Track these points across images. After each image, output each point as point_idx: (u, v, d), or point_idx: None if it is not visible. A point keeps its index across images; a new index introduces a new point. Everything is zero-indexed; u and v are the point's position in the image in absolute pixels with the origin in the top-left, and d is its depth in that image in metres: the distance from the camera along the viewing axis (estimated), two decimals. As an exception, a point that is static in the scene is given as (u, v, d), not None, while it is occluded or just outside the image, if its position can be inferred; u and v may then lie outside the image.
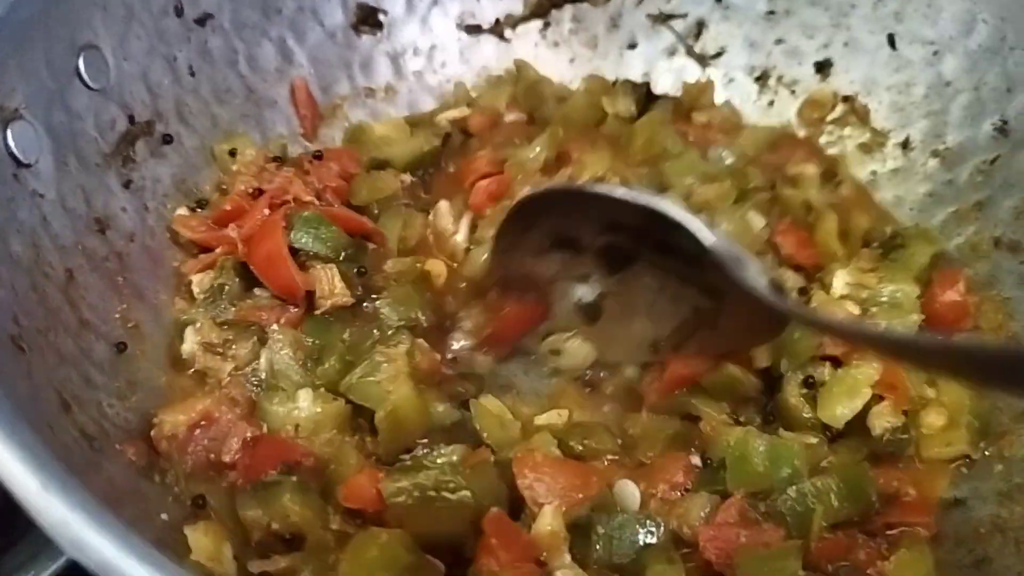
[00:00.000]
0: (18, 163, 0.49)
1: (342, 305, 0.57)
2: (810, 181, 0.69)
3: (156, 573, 0.29)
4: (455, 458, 0.48)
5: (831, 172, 0.71)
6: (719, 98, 0.76)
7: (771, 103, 0.76)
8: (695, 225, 0.52)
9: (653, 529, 0.49)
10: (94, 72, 0.56)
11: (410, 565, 0.45)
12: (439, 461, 0.48)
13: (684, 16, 0.77)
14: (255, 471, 0.49)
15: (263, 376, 0.54)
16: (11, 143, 0.49)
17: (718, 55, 0.77)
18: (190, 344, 0.55)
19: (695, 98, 0.75)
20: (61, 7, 0.54)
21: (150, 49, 0.61)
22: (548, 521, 0.47)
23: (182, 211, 0.62)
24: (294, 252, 0.57)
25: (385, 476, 0.48)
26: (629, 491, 0.51)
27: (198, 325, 0.55)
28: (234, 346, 0.55)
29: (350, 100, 0.74)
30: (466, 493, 0.47)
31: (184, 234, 0.60)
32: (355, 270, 0.58)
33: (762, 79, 0.76)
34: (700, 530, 0.49)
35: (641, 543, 0.48)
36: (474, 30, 0.77)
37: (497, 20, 0.78)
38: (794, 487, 0.50)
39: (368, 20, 0.74)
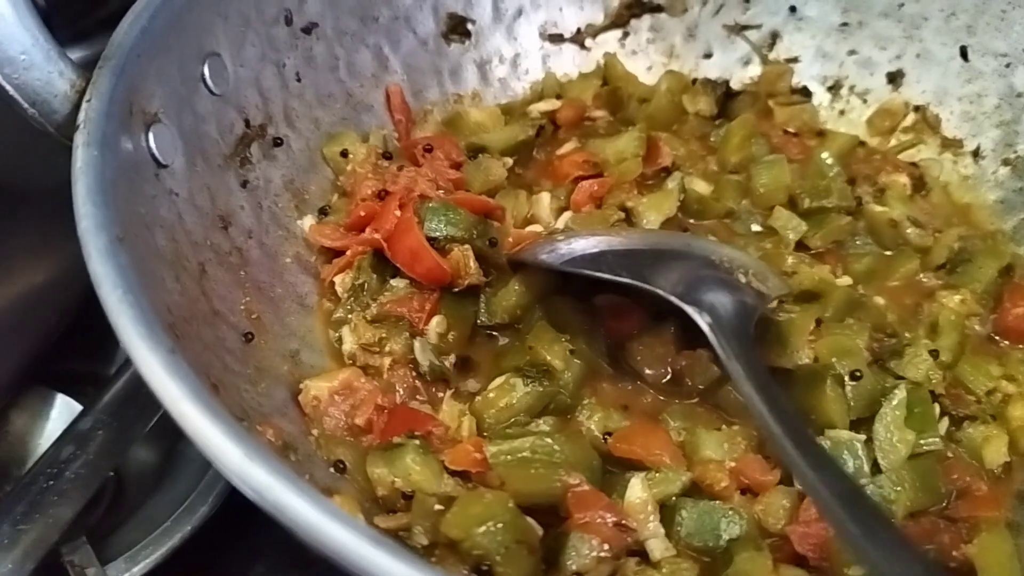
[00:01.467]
0: (158, 164, 0.53)
1: (476, 283, 0.61)
2: (901, 192, 0.71)
3: (347, 529, 0.32)
4: (548, 427, 0.53)
5: (920, 183, 0.74)
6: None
7: (843, 112, 0.79)
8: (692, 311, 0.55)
9: (737, 519, 0.51)
10: (216, 78, 0.60)
11: (510, 523, 0.48)
12: (538, 429, 0.53)
13: (759, 27, 0.80)
14: (386, 435, 0.53)
15: (423, 367, 0.58)
16: (152, 145, 0.52)
17: (791, 63, 0.80)
18: (349, 345, 0.60)
19: (772, 82, 0.78)
20: (191, 16, 0.58)
21: (262, 56, 0.65)
22: (638, 492, 0.50)
23: (310, 219, 0.65)
24: (431, 241, 0.60)
25: (488, 442, 0.52)
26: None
27: (353, 325, 0.60)
28: (388, 343, 0.59)
29: (439, 105, 0.77)
30: (560, 457, 0.51)
31: (323, 243, 0.64)
32: (487, 242, 0.63)
33: (835, 89, 0.79)
34: (787, 527, 0.51)
35: (725, 530, 0.51)
36: (556, 39, 0.81)
37: (578, 29, 0.81)
38: (870, 481, 0.53)
39: (457, 29, 0.77)
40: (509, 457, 0.51)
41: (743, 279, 0.58)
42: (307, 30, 0.68)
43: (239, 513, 0.68)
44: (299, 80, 0.68)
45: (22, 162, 0.99)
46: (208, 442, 0.36)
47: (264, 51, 0.65)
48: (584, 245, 0.58)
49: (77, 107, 0.49)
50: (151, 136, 0.52)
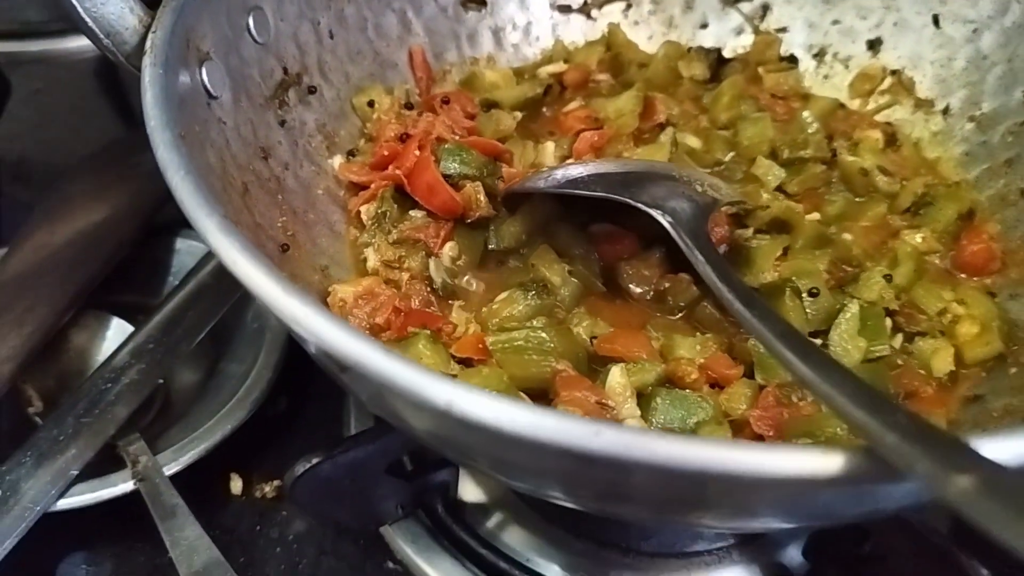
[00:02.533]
0: (209, 95, 0.61)
1: (485, 216, 0.69)
2: (873, 145, 0.78)
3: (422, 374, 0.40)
4: (543, 322, 0.61)
5: (892, 139, 0.81)
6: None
7: (826, 77, 0.86)
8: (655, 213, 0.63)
9: (705, 404, 0.59)
10: (259, 28, 0.68)
11: (503, 393, 0.54)
12: (534, 323, 0.61)
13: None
14: (402, 331, 0.61)
15: (436, 284, 0.67)
16: (204, 78, 0.61)
17: (780, 33, 0.87)
18: (372, 262, 0.68)
19: (762, 51, 0.85)
20: (236, -24, 0.66)
21: (300, 13, 0.73)
22: (617, 378, 0.58)
23: (339, 159, 0.74)
24: (446, 178, 0.68)
25: (489, 333, 0.60)
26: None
27: (376, 246, 0.68)
28: (407, 261, 0.67)
29: (457, 66, 0.85)
30: (551, 346, 0.59)
31: (351, 178, 0.73)
32: (496, 180, 0.71)
33: (819, 55, 0.86)
34: (747, 413, 0.59)
35: (693, 415, 0.58)
36: (565, 9, 0.89)
37: (585, 1, 0.89)
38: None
39: (474, -1, 0.86)
40: (506, 345, 0.59)
41: (699, 188, 0.66)
42: (339, -8, 0.77)
43: (270, 421, 0.77)
44: (332, 37, 0.76)
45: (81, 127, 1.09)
46: (263, 289, 0.44)
47: (301, 8, 0.73)
48: (572, 171, 0.67)
49: (143, 39, 0.57)
50: (203, 70, 0.61)
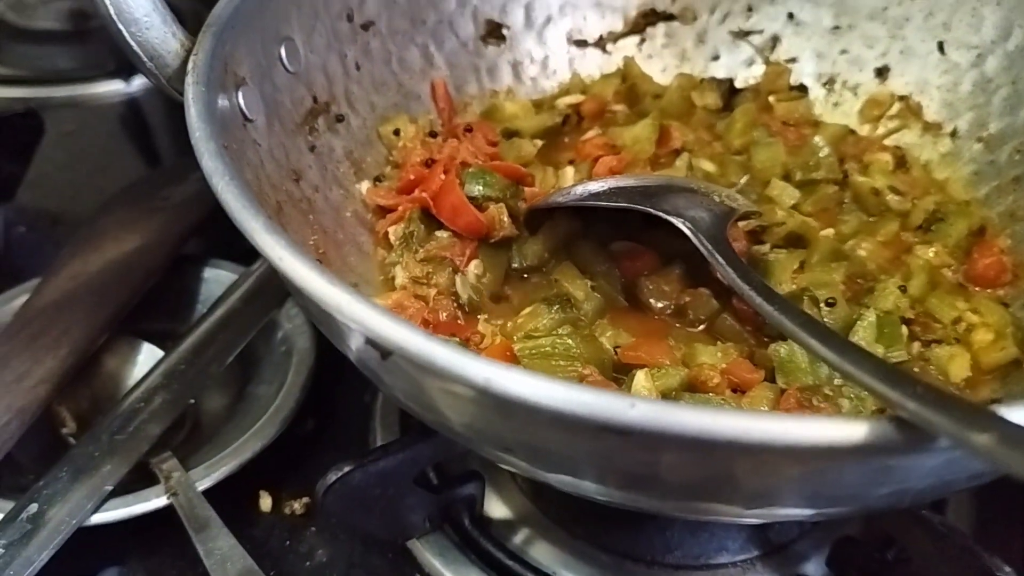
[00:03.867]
0: (245, 117, 0.64)
1: (509, 236, 0.71)
2: (884, 167, 0.81)
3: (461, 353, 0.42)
4: (569, 330, 0.63)
5: (902, 161, 0.83)
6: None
7: (836, 104, 0.89)
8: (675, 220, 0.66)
9: (728, 407, 0.60)
10: (291, 58, 0.72)
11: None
12: (560, 331, 0.63)
13: (761, 32, 0.91)
14: (435, 340, 0.63)
15: (463, 299, 0.69)
16: (241, 102, 0.64)
17: (790, 63, 0.90)
18: (401, 279, 0.70)
19: (773, 80, 0.88)
20: (271, 6, 0.70)
21: (328, 45, 0.76)
22: (642, 382, 0.60)
23: (366, 184, 0.77)
24: (470, 200, 0.71)
25: (516, 342, 0.62)
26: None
27: (404, 263, 0.70)
28: (434, 277, 0.69)
29: (478, 98, 0.88)
30: (577, 351, 0.61)
31: (378, 202, 0.75)
32: (518, 202, 0.73)
33: (828, 84, 0.89)
34: None
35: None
36: (581, 44, 0.92)
37: (601, 36, 0.92)
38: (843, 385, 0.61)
39: (493, 33, 0.89)
40: (533, 351, 0.61)
41: (717, 199, 0.68)
42: (365, 27, 0.80)
43: (298, 440, 0.79)
44: (358, 69, 0.79)
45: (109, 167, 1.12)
46: (309, 281, 0.46)
47: (330, 41, 0.76)
48: (592, 187, 0.69)
49: (184, 63, 0.60)
50: (240, 94, 0.64)
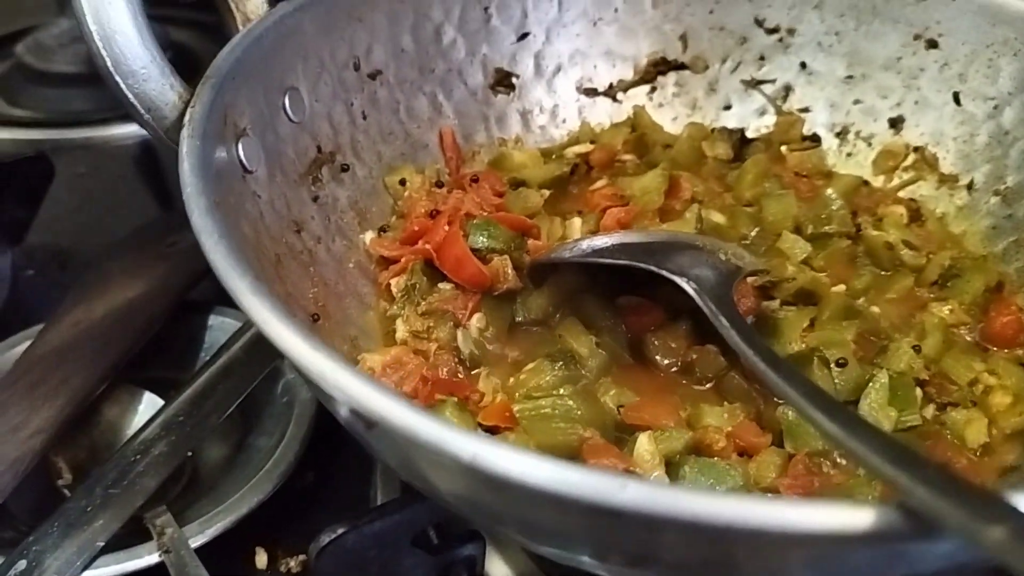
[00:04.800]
0: (245, 169, 0.63)
1: (513, 288, 0.70)
2: (898, 220, 0.79)
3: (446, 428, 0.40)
4: (570, 390, 0.61)
5: (916, 214, 0.82)
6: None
7: (849, 154, 0.87)
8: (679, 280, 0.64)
9: (734, 473, 0.58)
10: (295, 108, 0.71)
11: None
12: (560, 392, 0.61)
13: (773, 81, 0.90)
14: (429, 399, 0.62)
15: (464, 354, 0.67)
16: (240, 153, 0.63)
17: (803, 113, 0.89)
18: (401, 333, 0.69)
19: (785, 130, 0.87)
20: (276, 56, 0.69)
21: (334, 94, 0.75)
22: (645, 446, 0.58)
23: (371, 235, 0.76)
24: (474, 252, 0.70)
25: (515, 402, 0.61)
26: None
27: (405, 317, 0.69)
28: (435, 331, 0.68)
29: (486, 147, 0.87)
30: (578, 413, 0.59)
31: (382, 253, 0.74)
32: (523, 255, 0.72)
33: (842, 134, 0.88)
34: (776, 481, 0.58)
35: (722, 482, 0.57)
36: (591, 92, 0.91)
37: (611, 84, 0.91)
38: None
39: (503, 82, 0.88)
40: (533, 412, 0.59)
41: (723, 257, 0.67)
42: (372, 76, 0.79)
43: (296, 495, 0.77)
44: (365, 118, 0.78)
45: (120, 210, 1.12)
46: (293, 347, 0.44)
47: (336, 90, 0.76)
48: (597, 242, 0.68)
49: (182, 115, 0.60)
50: (240, 146, 0.63)
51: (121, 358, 0.81)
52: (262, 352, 0.85)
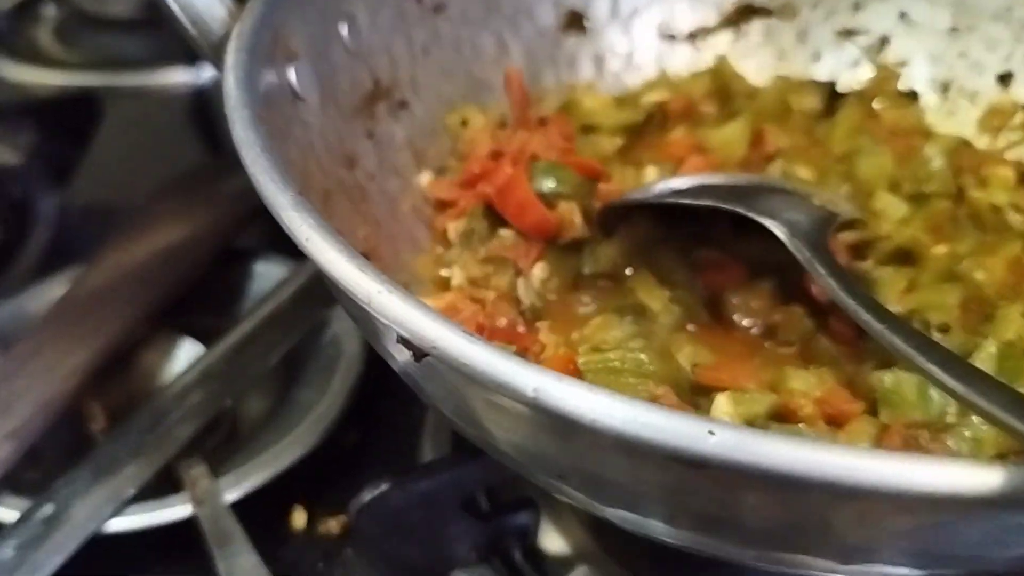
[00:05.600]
0: (295, 95, 0.58)
1: (580, 237, 0.65)
2: (1004, 182, 0.71)
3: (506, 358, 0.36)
4: (641, 343, 0.55)
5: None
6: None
7: (951, 112, 0.80)
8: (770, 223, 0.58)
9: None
10: (352, 36, 0.66)
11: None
12: (631, 344, 0.55)
13: (868, 31, 0.82)
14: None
15: (524, 305, 0.62)
16: (292, 78, 0.58)
17: (900, 67, 0.81)
18: (458, 279, 0.64)
19: (880, 85, 0.79)
20: (331, -21, 0.64)
21: (394, 27, 0.70)
22: (723, 407, 0.52)
23: (427, 176, 0.71)
24: (539, 196, 0.65)
25: (581, 354, 0.54)
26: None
27: (463, 263, 0.64)
28: (494, 279, 0.63)
29: (554, 92, 0.81)
30: (650, 368, 0.53)
31: (440, 196, 0.69)
32: (592, 202, 0.67)
33: (943, 90, 0.80)
34: None
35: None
36: (670, 38, 0.85)
37: (691, 30, 0.85)
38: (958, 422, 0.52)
39: (575, 23, 0.82)
40: (600, 365, 0.53)
41: (816, 203, 0.60)
42: (436, 9, 0.74)
43: (339, 453, 0.73)
44: (425, 54, 0.73)
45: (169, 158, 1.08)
46: (336, 268, 0.40)
47: (396, 22, 0.70)
48: (676, 183, 0.62)
49: (230, 32, 0.55)
50: (291, 70, 0.58)
51: (162, 303, 0.78)
52: (310, 302, 0.80)
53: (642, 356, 0.53)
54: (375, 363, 0.76)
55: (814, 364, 0.58)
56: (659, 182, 0.63)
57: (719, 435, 0.31)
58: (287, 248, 0.85)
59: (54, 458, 0.69)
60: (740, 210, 0.57)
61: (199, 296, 0.82)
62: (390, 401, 0.76)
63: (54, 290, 0.81)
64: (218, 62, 0.56)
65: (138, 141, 1.07)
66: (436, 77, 0.74)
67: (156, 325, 0.78)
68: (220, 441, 0.73)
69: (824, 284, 0.53)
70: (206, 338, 0.79)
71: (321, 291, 0.81)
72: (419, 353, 0.38)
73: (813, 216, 0.58)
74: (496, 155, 0.69)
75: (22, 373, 0.70)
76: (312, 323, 0.79)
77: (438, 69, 0.74)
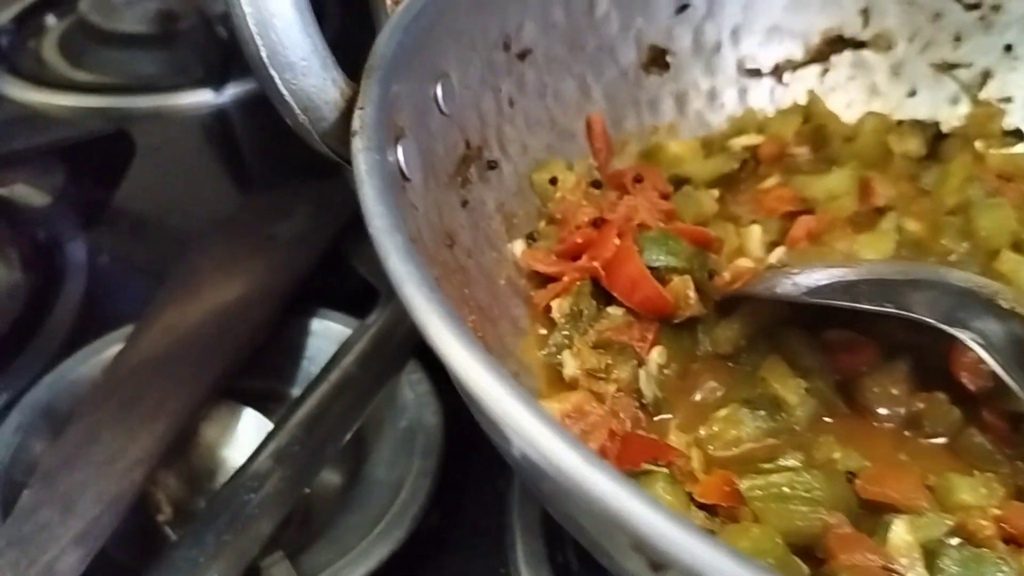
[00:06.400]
0: (404, 177, 0.52)
1: (696, 314, 0.60)
2: None
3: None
4: (799, 462, 0.51)
5: None
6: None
7: (1060, 155, 0.76)
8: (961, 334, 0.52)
9: (1006, 569, 0.48)
10: (446, 98, 0.60)
11: (780, 560, 0.45)
12: (790, 463, 0.51)
13: (970, 65, 0.78)
14: (624, 462, 0.51)
15: (647, 398, 0.57)
16: (401, 158, 0.52)
17: (1003, 103, 0.77)
18: (571, 369, 0.58)
19: (982, 124, 0.75)
20: (431, 39, 0.58)
21: (482, 79, 0.64)
22: (902, 535, 0.47)
23: (520, 244, 0.65)
24: (651, 271, 0.60)
25: (738, 476, 0.50)
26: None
27: (576, 350, 0.58)
28: (615, 371, 0.57)
29: (636, 136, 0.76)
30: (819, 493, 0.48)
31: (539, 268, 0.63)
32: (706, 275, 0.62)
33: (1051, 130, 0.76)
34: None
35: (993, 581, 0.47)
36: (754, 73, 0.80)
37: (777, 65, 0.80)
38: None
39: (657, 60, 0.77)
40: (765, 492, 0.48)
41: (1005, 306, 0.55)
42: (522, 56, 0.68)
43: (422, 539, 0.67)
44: (512, 105, 0.67)
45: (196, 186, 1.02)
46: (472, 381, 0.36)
47: (484, 75, 0.64)
48: (829, 275, 0.56)
49: (342, 116, 0.49)
50: (399, 149, 0.52)
51: (223, 373, 0.71)
52: (378, 366, 0.75)
53: (810, 479, 0.49)
54: (452, 433, 0.71)
55: (966, 459, 0.55)
56: (790, 272, 0.57)
57: None
58: (342, 300, 0.80)
59: (125, 558, 0.63)
60: (919, 317, 0.52)
61: (252, 358, 0.75)
62: (472, 475, 0.72)
63: (101, 354, 0.74)
64: (328, 147, 0.50)
65: (162, 170, 0.99)
66: (521, 130, 0.68)
67: (215, 397, 0.72)
68: (296, 528, 0.68)
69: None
70: (264, 405, 0.73)
71: (389, 353, 0.76)
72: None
73: (1003, 321, 0.53)
74: (598, 222, 0.64)
75: (81, 463, 0.64)
76: (382, 390, 0.73)
77: (523, 121, 0.68)
